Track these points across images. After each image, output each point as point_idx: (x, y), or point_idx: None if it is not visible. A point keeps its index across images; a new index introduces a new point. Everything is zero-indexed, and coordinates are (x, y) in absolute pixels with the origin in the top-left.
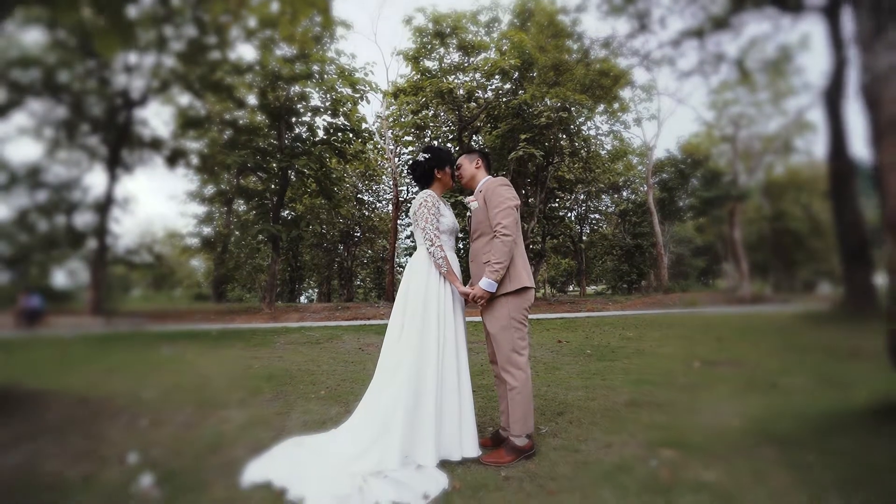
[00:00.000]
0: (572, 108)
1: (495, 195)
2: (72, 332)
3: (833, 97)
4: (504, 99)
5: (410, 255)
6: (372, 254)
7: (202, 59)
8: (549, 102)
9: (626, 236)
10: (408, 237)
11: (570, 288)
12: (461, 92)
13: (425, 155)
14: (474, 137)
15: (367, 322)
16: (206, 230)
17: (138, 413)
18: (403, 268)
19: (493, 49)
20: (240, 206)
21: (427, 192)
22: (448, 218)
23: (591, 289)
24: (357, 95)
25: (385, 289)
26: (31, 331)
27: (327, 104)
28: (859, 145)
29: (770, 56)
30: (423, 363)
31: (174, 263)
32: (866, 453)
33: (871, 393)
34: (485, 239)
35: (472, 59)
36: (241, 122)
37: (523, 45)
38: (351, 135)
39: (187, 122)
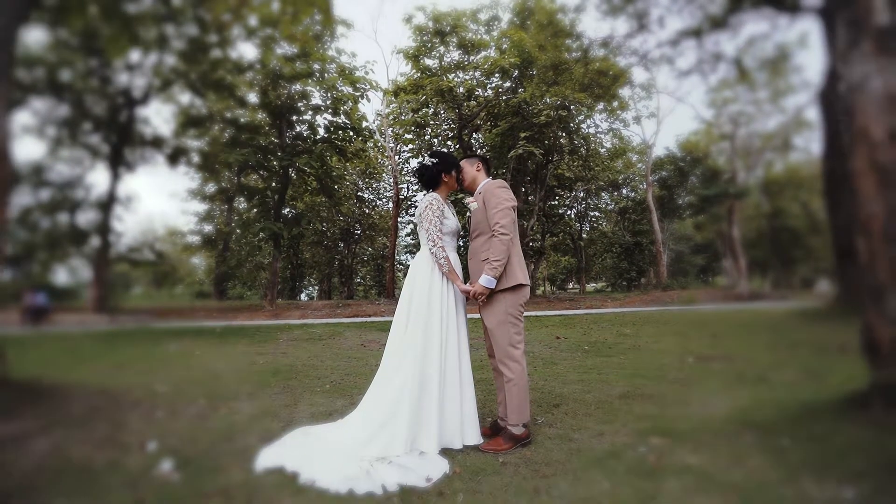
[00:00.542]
0: (572, 107)
1: (493, 196)
2: (77, 328)
3: (828, 97)
4: (504, 97)
5: (411, 252)
6: (372, 251)
7: (203, 58)
8: (548, 101)
9: (625, 234)
10: (408, 235)
11: (570, 285)
12: (461, 90)
13: (433, 160)
14: (474, 135)
15: (368, 319)
16: (208, 228)
17: (154, 405)
18: (404, 265)
19: (493, 47)
20: (241, 203)
21: (433, 195)
22: (451, 221)
23: (590, 286)
24: (357, 94)
25: (385, 286)
26: (36, 328)
27: (328, 102)
28: None
29: (768, 55)
30: (426, 357)
31: (175, 261)
32: (836, 438)
33: (845, 383)
34: (483, 238)
35: (471, 58)
36: (242, 120)
37: (523, 43)
38: (351, 133)
39: (189, 121)
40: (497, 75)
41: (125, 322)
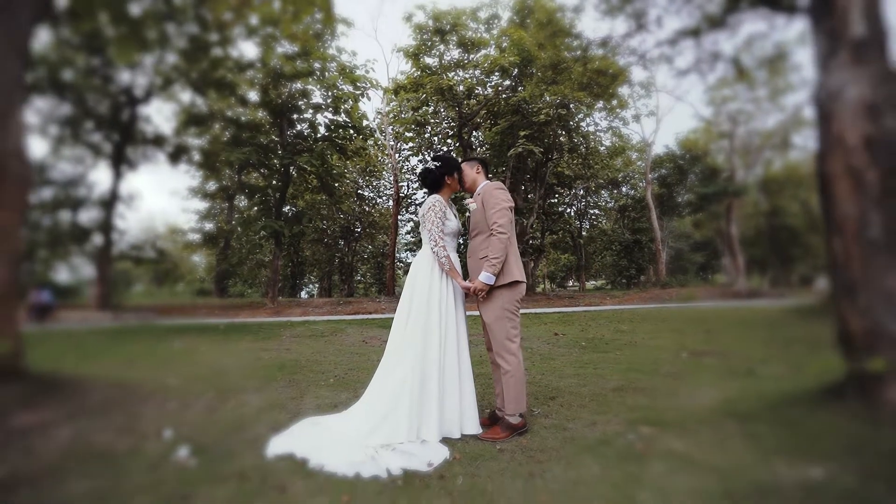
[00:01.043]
0: (571, 105)
1: (492, 197)
2: (81, 325)
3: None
4: (503, 96)
5: (411, 250)
6: (372, 249)
7: (204, 57)
8: (548, 99)
9: (624, 231)
10: (408, 232)
11: (570, 283)
12: (461, 88)
13: (436, 163)
14: (474, 134)
15: (369, 316)
16: (209, 226)
17: (166, 397)
18: (404, 263)
19: (493, 46)
20: (242, 201)
21: (436, 196)
22: (453, 222)
23: (590, 284)
24: (358, 92)
25: (385, 284)
26: (41, 325)
27: (328, 101)
28: None
29: (767, 53)
30: (427, 350)
31: (177, 259)
32: (808, 424)
33: (823, 374)
34: (482, 237)
35: (471, 56)
36: (243, 119)
37: (523, 42)
38: (352, 131)
39: (190, 119)
40: (497, 74)
41: (128, 319)
